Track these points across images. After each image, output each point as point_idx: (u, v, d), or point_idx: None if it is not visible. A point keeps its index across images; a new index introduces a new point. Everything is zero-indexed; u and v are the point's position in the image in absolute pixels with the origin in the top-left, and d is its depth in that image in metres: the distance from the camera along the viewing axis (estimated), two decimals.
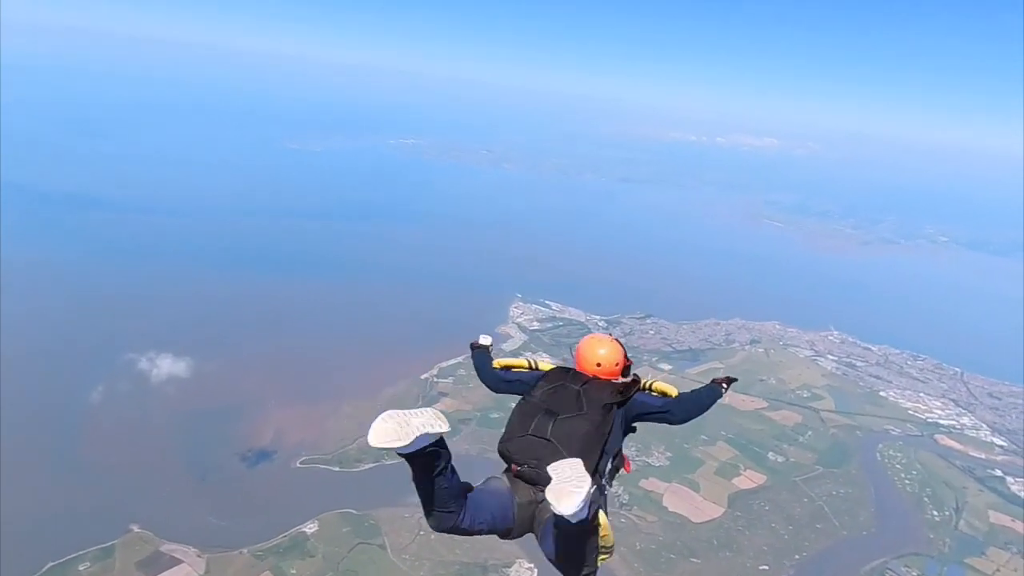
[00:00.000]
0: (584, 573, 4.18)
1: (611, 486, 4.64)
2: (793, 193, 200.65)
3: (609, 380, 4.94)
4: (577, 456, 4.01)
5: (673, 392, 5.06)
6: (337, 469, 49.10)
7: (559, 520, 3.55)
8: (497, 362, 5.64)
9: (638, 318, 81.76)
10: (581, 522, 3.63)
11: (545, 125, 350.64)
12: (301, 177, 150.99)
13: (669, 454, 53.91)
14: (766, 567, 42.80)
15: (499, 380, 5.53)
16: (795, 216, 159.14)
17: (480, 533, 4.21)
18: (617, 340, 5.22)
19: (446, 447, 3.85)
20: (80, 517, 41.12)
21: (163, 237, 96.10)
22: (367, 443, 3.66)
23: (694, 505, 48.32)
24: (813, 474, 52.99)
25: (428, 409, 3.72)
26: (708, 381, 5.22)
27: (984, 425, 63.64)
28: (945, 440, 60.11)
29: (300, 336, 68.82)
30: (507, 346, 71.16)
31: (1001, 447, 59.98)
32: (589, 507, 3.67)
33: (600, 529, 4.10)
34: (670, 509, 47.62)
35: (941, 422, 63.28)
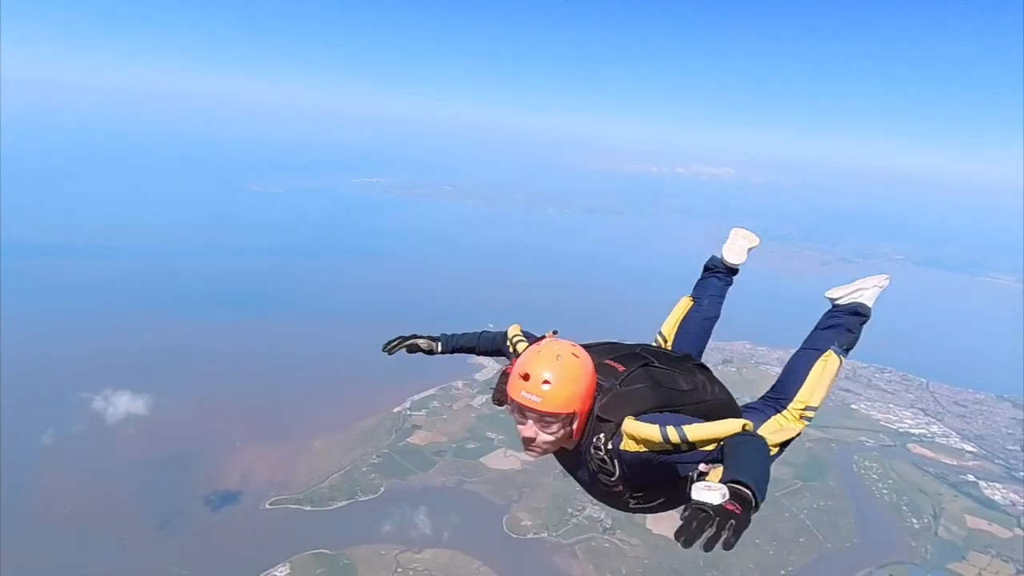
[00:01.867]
0: None
1: None
2: (752, 219, 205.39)
3: None
4: None
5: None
6: (309, 508, 47.06)
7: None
8: (731, 427, 2.84)
9: None
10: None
11: (508, 161, 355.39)
12: (262, 218, 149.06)
13: None
14: None
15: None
16: (764, 243, 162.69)
17: None
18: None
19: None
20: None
21: (121, 279, 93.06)
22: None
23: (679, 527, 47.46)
24: (793, 488, 52.84)
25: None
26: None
27: (953, 432, 64.68)
28: (917, 448, 60.80)
29: (266, 374, 66.78)
30: (480, 376, 70.11)
31: (971, 452, 60.90)
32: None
33: None
34: (654, 531, 46.66)
35: (912, 431, 64.11)
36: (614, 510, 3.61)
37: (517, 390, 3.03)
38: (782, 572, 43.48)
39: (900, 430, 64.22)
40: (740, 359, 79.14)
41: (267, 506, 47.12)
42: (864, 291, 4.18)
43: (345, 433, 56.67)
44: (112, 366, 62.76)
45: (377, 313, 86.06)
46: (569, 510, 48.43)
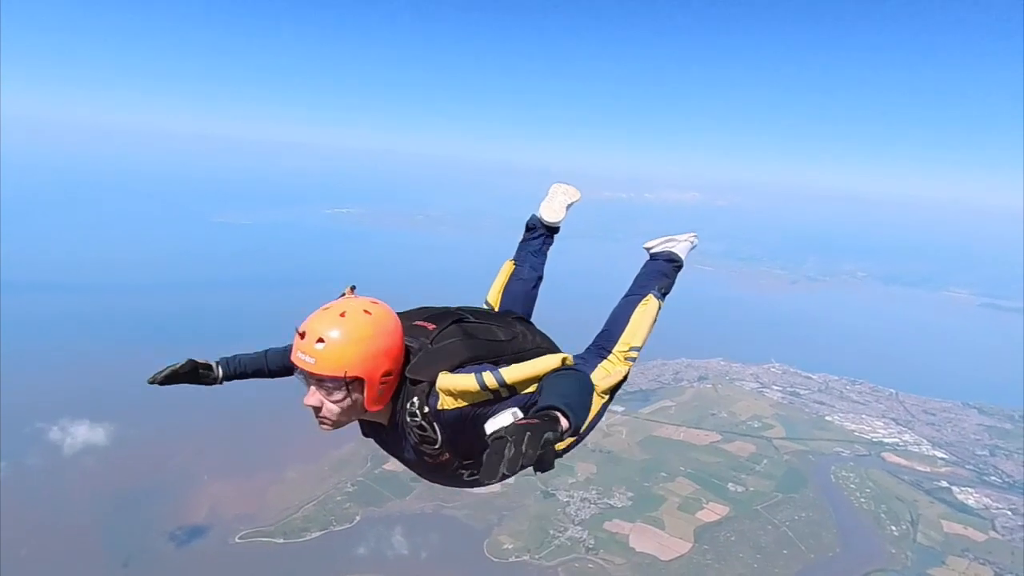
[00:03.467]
0: None
1: None
2: (719, 241, 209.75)
3: None
4: None
5: None
6: (281, 541, 45.17)
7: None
8: (535, 372, 2.65)
9: None
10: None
11: (480, 189, 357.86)
12: (227, 249, 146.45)
13: (631, 494, 52.75)
14: None
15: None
16: (724, 261, 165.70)
17: None
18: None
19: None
20: None
21: (80, 313, 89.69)
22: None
23: (661, 543, 46.96)
24: (773, 501, 52.80)
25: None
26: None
27: (925, 440, 65.68)
28: (891, 457, 61.50)
29: (235, 405, 64.21)
30: None
31: (943, 459, 61.85)
32: None
33: None
34: (637, 549, 46.08)
35: (885, 440, 64.91)
36: (469, 488, 3.27)
37: (293, 351, 2.69)
38: None
39: (874, 440, 64.98)
40: (715, 376, 79.60)
41: (236, 540, 45.09)
42: (677, 243, 4.45)
43: (319, 462, 54.92)
44: (69, 396, 59.95)
45: None
46: (551, 532, 47.50)
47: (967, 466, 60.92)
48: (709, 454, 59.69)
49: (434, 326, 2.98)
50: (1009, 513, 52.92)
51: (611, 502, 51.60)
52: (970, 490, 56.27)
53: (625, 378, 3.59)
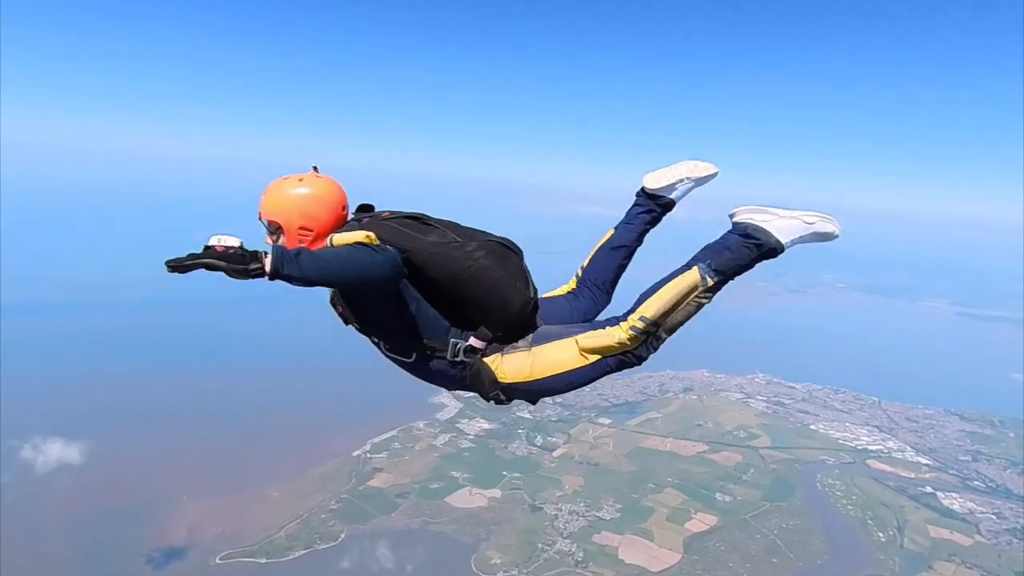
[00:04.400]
0: None
1: None
2: (693, 250, 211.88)
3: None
4: None
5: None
6: (264, 561, 44.13)
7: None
8: (355, 237, 3.05)
9: None
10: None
11: (460, 208, 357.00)
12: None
13: (619, 506, 52.44)
14: None
15: (400, 262, 3.17)
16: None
17: None
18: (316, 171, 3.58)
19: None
20: None
21: (54, 331, 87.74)
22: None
23: (650, 554, 46.62)
24: (761, 510, 52.72)
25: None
26: None
27: (908, 447, 66.21)
28: (876, 464, 61.84)
29: (215, 424, 63.30)
30: (442, 415, 68.57)
31: (927, 465, 62.33)
32: None
33: None
34: (627, 561, 45.69)
35: (870, 448, 65.31)
36: None
37: None
38: None
39: (858, 447, 65.35)
40: (700, 387, 79.80)
41: (217, 561, 43.99)
42: (772, 218, 3.56)
43: (302, 480, 53.98)
44: (42, 414, 58.51)
45: (333, 361, 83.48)
46: (539, 545, 46.96)
47: (951, 471, 61.42)
48: (696, 465, 59.60)
49: (395, 219, 3.40)
50: (993, 517, 53.35)
51: (599, 514, 51.22)
52: (954, 495, 56.68)
53: (626, 349, 3.42)
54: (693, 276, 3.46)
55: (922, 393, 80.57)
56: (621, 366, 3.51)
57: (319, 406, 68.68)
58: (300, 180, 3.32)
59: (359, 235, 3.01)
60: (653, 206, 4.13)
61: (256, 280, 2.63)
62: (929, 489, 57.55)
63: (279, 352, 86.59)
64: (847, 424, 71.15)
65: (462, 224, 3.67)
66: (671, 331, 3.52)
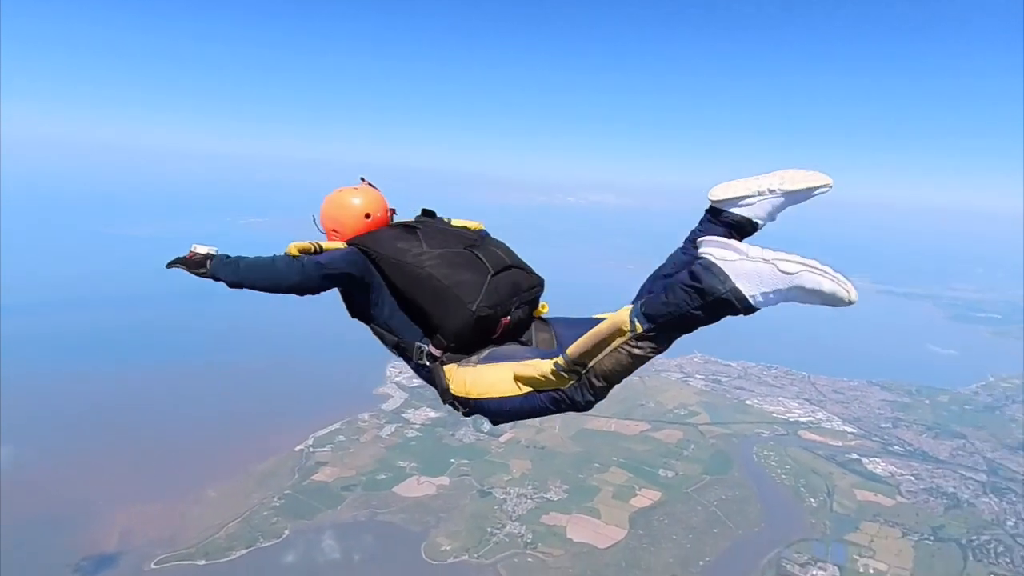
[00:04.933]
0: None
1: None
2: (631, 239, 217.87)
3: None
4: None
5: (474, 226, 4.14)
6: (203, 563, 42.53)
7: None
8: (293, 247, 3.52)
9: None
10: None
11: (412, 197, 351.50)
12: (127, 262, 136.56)
13: (566, 487, 53.24)
14: None
15: (322, 272, 3.48)
16: (642, 258, 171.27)
17: None
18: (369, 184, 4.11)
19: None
20: None
21: None
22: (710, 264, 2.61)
23: (597, 532, 47.57)
24: (702, 483, 54.60)
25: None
26: None
27: (836, 417, 69.90)
28: (807, 434, 65.06)
29: (147, 425, 60.37)
30: (387, 406, 67.76)
31: (852, 433, 66.03)
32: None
33: None
34: (575, 540, 46.47)
35: (801, 420, 68.59)
36: None
37: None
38: (700, 563, 44.41)
39: (790, 419, 68.53)
40: (641, 368, 75.36)
41: (152, 566, 42.08)
42: (744, 260, 2.62)
43: (241, 479, 52.24)
44: None
45: (269, 356, 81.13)
46: (489, 529, 47.15)
47: (874, 438, 65.25)
48: (639, 443, 61.12)
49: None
50: (912, 478, 57.04)
51: (547, 496, 51.87)
52: (878, 460, 60.28)
53: (553, 386, 3.08)
54: (620, 317, 2.83)
55: (847, 367, 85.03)
56: (557, 406, 3.13)
57: (257, 403, 66.58)
58: (341, 191, 3.96)
59: (296, 246, 3.53)
60: (716, 225, 3.26)
61: (217, 281, 3.55)
62: (855, 455, 60.95)
63: (212, 349, 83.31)
64: (780, 398, 74.45)
65: (467, 232, 3.91)
66: (607, 379, 2.97)
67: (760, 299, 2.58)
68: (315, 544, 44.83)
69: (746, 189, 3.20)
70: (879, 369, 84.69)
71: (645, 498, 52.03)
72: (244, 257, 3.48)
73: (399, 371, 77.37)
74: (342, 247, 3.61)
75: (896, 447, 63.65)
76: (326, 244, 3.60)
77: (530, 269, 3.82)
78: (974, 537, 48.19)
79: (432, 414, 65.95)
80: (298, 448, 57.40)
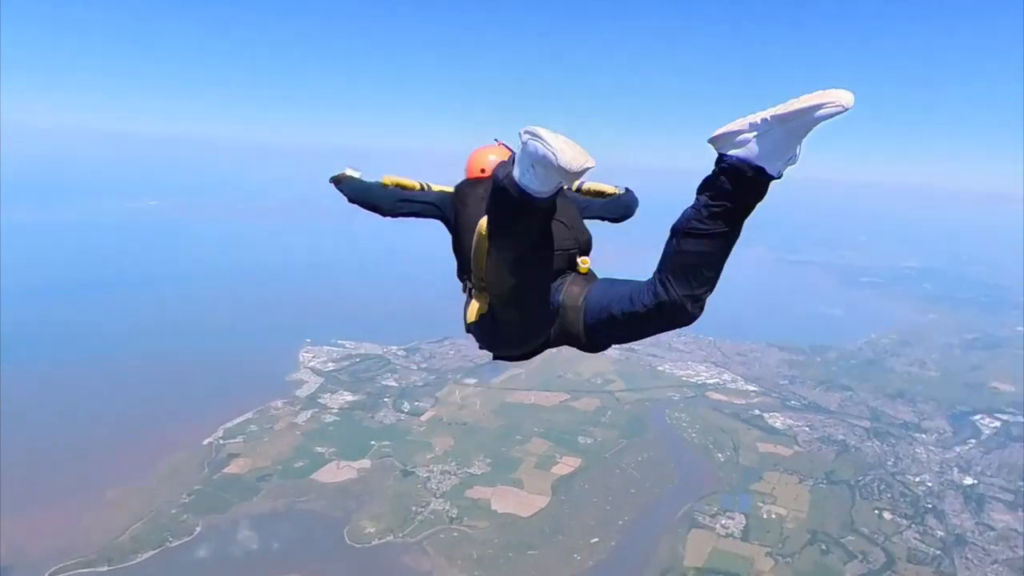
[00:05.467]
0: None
1: None
2: None
3: None
4: (579, 227, 4.14)
5: (609, 190, 5.11)
6: (105, 568, 39.77)
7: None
8: (386, 179, 4.94)
9: (435, 342, 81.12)
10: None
11: (316, 174, 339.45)
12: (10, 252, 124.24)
13: (489, 460, 53.69)
14: (596, 539, 44.26)
15: (397, 200, 4.73)
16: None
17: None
18: (503, 145, 4.66)
19: None
20: None
21: None
22: (528, 187, 2.82)
23: (521, 501, 48.41)
24: (619, 447, 56.65)
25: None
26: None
27: (739, 378, 74.38)
28: (714, 395, 68.87)
29: (39, 424, 55.36)
30: (301, 392, 65.54)
31: (754, 392, 70.55)
32: None
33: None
34: (500, 511, 47.09)
35: (708, 382, 72.48)
36: None
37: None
38: (620, 522, 46.19)
39: (699, 382, 72.26)
40: None
41: None
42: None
43: (145, 478, 48.97)
44: None
45: (173, 348, 76.00)
46: (414, 508, 46.88)
47: (773, 395, 70.00)
48: (559, 413, 62.53)
49: None
50: (807, 429, 61.73)
51: (471, 471, 52.13)
52: (777, 415, 64.78)
53: (478, 312, 3.96)
54: None
55: (748, 330, 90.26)
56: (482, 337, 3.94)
57: (158, 398, 62.45)
58: (480, 148, 4.69)
59: (393, 179, 4.91)
60: (717, 176, 2.96)
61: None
62: (757, 412, 65.21)
63: (108, 344, 77.01)
64: (689, 363, 78.23)
65: None
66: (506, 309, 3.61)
67: (519, 174, 2.84)
68: (230, 537, 42.94)
69: (739, 124, 2.83)
70: (777, 331, 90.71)
71: (566, 465, 53.37)
72: (363, 181, 5.04)
73: (312, 356, 75.14)
74: (446, 190, 4.62)
75: (793, 402, 68.60)
76: (434, 185, 4.80)
77: (575, 227, 4.06)
78: (860, 478, 52.92)
79: (350, 397, 64.51)
80: (206, 441, 54.53)
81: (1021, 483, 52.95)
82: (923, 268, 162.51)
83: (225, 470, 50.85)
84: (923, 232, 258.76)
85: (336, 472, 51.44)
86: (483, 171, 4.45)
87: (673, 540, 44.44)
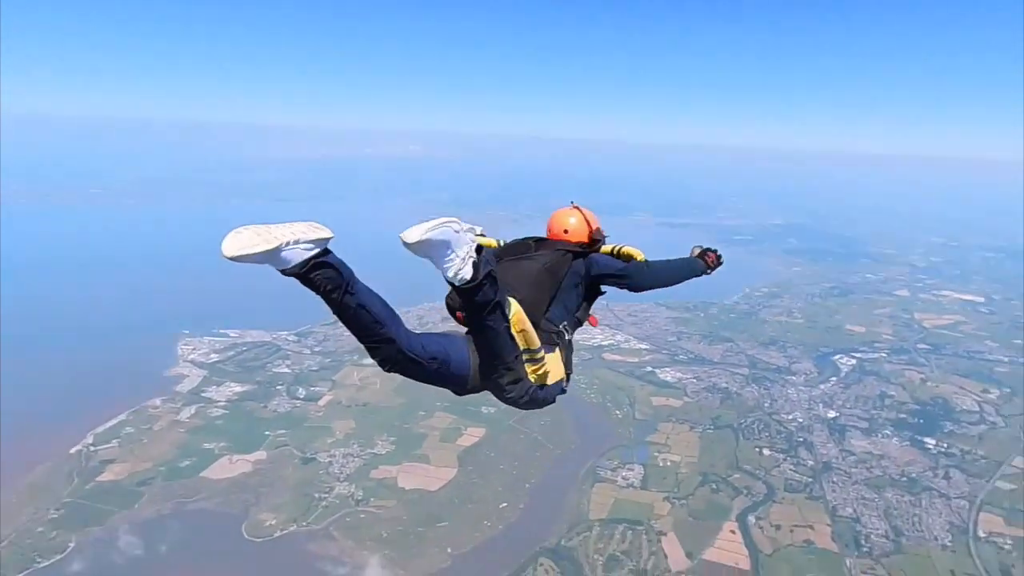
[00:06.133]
0: (507, 377, 3.97)
1: (570, 333, 4.73)
2: (445, 191, 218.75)
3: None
4: (527, 294, 4.22)
5: (640, 256, 5.02)
6: None
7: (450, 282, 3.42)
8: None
9: (329, 324, 77.92)
10: (470, 288, 3.36)
11: (174, 157, 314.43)
12: None
13: (393, 439, 52.72)
14: (505, 504, 44.85)
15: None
16: (454, 209, 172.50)
17: (436, 373, 3.92)
18: (586, 211, 5.14)
19: (338, 260, 3.28)
20: None
21: None
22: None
23: (428, 476, 48.02)
24: (522, 414, 56.42)
25: (297, 223, 3.10)
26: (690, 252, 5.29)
27: (632, 338, 77.67)
28: (609, 356, 71.50)
29: None
30: (182, 387, 60.89)
31: (646, 349, 74.03)
32: (476, 268, 3.34)
33: (524, 336, 3.94)
34: (407, 488, 46.46)
35: (603, 343, 75.05)
36: None
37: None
38: (527, 485, 47.07)
39: (595, 344, 74.58)
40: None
41: None
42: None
43: (2, 497, 43.57)
44: None
45: (22, 350, 67.71)
46: (317, 495, 45.15)
47: (663, 351, 73.79)
48: None
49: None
50: (695, 381, 65.73)
51: (375, 451, 50.96)
52: (667, 369, 68.43)
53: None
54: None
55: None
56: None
57: (10, 409, 55.42)
58: (582, 211, 5.25)
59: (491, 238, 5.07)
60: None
61: None
62: (649, 368, 68.51)
63: None
64: (585, 326, 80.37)
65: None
66: None
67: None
68: (110, 546, 39.30)
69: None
70: (664, 291, 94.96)
71: (471, 436, 53.48)
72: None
73: (192, 348, 70.02)
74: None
75: (681, 356, 72.71)
76: (627, 250, 5.07)
77: (511, 287, 4.12)
78: (742, 420, 57.18)
79: (238, 388, 60.83)
80: (74, 450, 49.36)
81: (874, 411, 59.52)
82: (787, 225, 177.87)
83: (99, 478, 46.31)
84: (787, 193, 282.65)
85: (229, 467, 48.42)
86: (566, 232, 5.05)
87: (579, 496, 45.93)
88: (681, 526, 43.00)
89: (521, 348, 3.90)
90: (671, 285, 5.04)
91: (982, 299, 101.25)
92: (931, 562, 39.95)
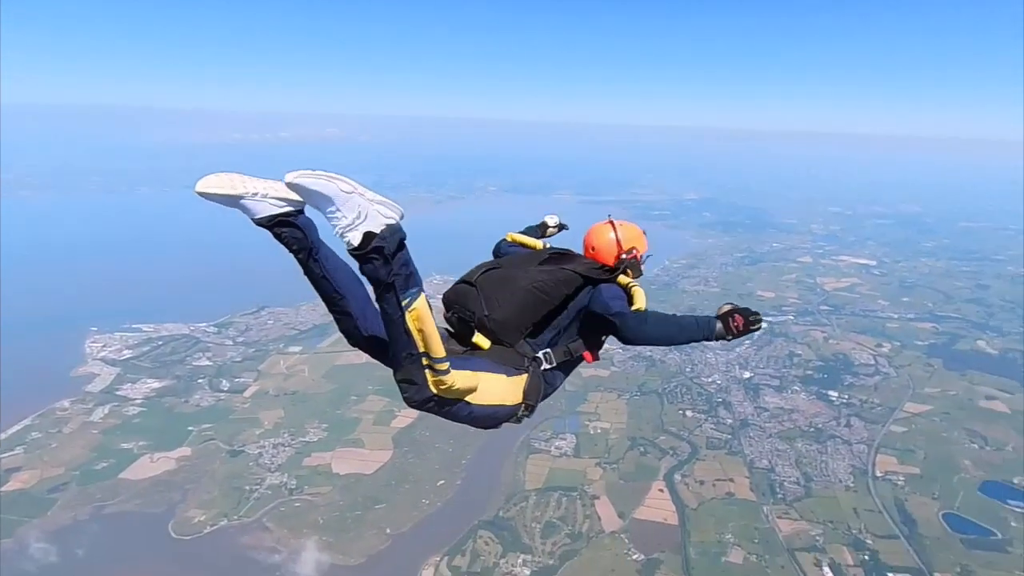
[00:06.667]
0: (397, 374, 3.49)
1: (551, 363, 4.13)
2: (368, 173, 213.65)
3: (591, 259, 4.50)
4: (502, 310, 3.99)
5: (642, 303, 4.26)
6: None
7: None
8: (509, 236, 5.33)
9: (251, 313, 75.41)
10: (357, 256, 3.02)
11: (75, 142, 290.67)
12: None
13: (325, 425, 52.01)
14: (442, 481, 45.37)
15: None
16: (377, 191, 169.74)
17: (386, 355, 3.60)
18: (625, 229, 4.66)
19: (307, 223, 3.41)
20: None
21: None
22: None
23: (363, 460, 47.78)
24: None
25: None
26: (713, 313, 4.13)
27: None
28: None
29: None
30: (93, 387, 57.41)
31: None
32: (367, 240, 2.98)
33: (422, 329, 3.31)
34: (342, 473, 46.08)
35: None
36: None
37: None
38: (463, 462, 47.71)
39: None
40: None
41: None
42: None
43: None
44: None
45: None
46: (247, 487, 44.02)
47: None
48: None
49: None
50: (621, 351, 67.79)
51: (306, 439, 50.09)
52: None
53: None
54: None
55: None
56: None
57: None
58: (620, 225, 4.78)
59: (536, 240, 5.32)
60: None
61: None
62: None
63: None
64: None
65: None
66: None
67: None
68: (20, 555, 36.95)
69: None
70: None
71: (405, 417, 53.26)
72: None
73: (102, 345, 66.02)
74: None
75: None
76: (637, 293, 4.50)
77: (490, 300, 4.06)
78: (666, 385, 59.96)
79: (155, 384, 57.99)
80: None
81: (784, 370, 63.87)
82: (701, 199, 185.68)
83: (4, 488, 43.22)
84: (699, 168, 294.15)
85: (150, 466, 46.31)
86: (592, 249, 4.63)
87: (514, 468, 47.06)
88: (613, 489, 44.95)
89: (420, 350, 3.37)
90: (671, 345, 4.16)
91: (874, 262, 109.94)
92: (837, 502, 43.68)
